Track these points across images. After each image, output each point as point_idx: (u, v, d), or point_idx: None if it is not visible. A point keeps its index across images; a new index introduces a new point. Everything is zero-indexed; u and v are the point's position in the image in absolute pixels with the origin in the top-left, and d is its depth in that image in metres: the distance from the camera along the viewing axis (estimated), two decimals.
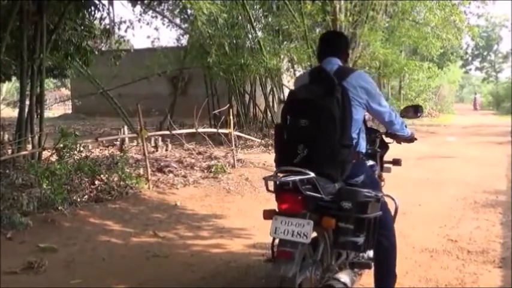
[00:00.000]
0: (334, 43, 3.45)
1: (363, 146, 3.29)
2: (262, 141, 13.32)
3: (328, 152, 2.95)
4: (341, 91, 3.00)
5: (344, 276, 3.24)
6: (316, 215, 2.96)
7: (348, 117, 3.01)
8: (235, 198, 7.33)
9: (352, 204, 2.99)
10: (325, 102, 2.94)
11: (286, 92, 16.79)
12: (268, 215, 3.12)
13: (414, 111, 4.19)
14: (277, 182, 2.98)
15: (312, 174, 2.85)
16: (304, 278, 2.87)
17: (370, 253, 3.43)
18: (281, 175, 2.98)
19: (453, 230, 5.56)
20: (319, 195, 2.90)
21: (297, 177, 2.83)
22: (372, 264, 3.41)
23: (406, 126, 3.66)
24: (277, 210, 3.05)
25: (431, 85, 26.93)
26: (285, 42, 15.87)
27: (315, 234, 3.02)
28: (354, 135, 3.14)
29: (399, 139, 3.87)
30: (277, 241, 2.97)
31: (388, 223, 3.41)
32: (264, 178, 3.10)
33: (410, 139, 3.84)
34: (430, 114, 27.21)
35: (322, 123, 2.94)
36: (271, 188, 3.11)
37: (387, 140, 4.00)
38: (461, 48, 32.91)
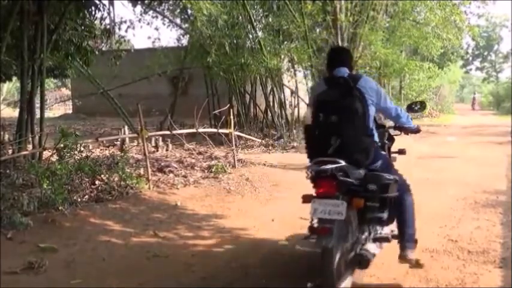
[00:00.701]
0: (342, 56, 4.20)
1: (376, 137, 3.96)
2: (263, 141, 13.33)
3: (355, 141, 3.66)
4: (358, 92, 3.71)
5: (371, 247, 3.93)
6: (347, 196, 3.55)
7: (366, 112, 3.72)
8: (236, 198, 7.33)
9: (377, 186, 3.70)
10: (348, 101, 3.67)
11: (287, 92, 16.83)
12: (307, 199, 3.69)
13: (420, 106, 4.86)
14: (313, 172, 3.61)
15: (344, 163, 3.52)
16: (340, 249, 3.48)
17: (388, 229, 4.15)
18: (316, 165, 3.60)
19: (453, 230, 5.56)
20: (349, 180, 3.56)
21: (333, 166, 3.48)
22: (391, 237, 4.08)
23: (411, 119, 4.28)
24: (314, 194, 3.62)
25: (431, 85, 26.95)
26: (286, 42, 15.87)
27: None
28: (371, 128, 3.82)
29: (406, 131, 4.45)
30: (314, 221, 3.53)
31: (408, 187, 4.26)
32: (306, 167, 3.72)
33: (417, 130, 4.48)
34: (430, 114, 27.19)
35: (348, 118, 3.65)
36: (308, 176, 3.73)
37: (394, 133, 4.59)
38: (461, 48, 32.93)
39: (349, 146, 3.65)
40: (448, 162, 10.47)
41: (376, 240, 4.06)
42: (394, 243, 4.98)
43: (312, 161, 3.74)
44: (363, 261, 3.77)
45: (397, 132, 4.51)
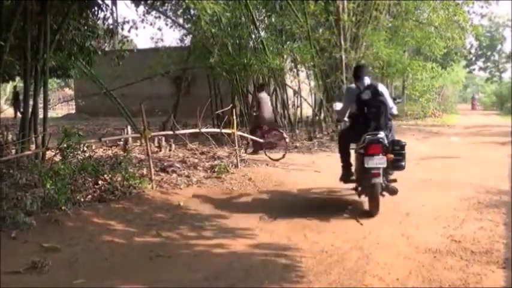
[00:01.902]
0: (364, 70, 6.81)
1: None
2: (265, 141, 13.31)
3: (385, 123, 6.27)
4: (382, 94, 6.34)
5: (392, 185, 6.32)
6: (383, 153, 6.02)
7: (387, 106, 6.36)
8: (239, 198, 7.33)
9: (399, 147, 6.25)
10: (380, 100, 6.26)
11: (290, 91, 16.83)
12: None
13: (398, 99, 7.82)
14: (367, 139, 6.05)
15: (383, 135, 6.11)
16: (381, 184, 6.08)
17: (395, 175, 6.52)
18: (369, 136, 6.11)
19: (457, 230, 5.54)
20: (386, 144, 6.05)
21: (379, 135, 6.06)
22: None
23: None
24: (365, 152, 6.02)
25: (434, 85, 26.90)
26: (288, 42, 15.89)
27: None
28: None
29: (393, 116, 6.85)
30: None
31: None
32: (364, 137, 6.08)
33: (397, 115, 7.41)
34: (433, 115, 27.15)
35: (380, 110, 6.22)
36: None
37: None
38: (464, 48, 32.82)
39: (382, 126, 6.21)
40: (451, 163, 10.45)
41: (390, 181, 6.36)
42: (399, 247, 4.99)
43: (364, 136, 6.10)
44: (393, 192, 6.24)
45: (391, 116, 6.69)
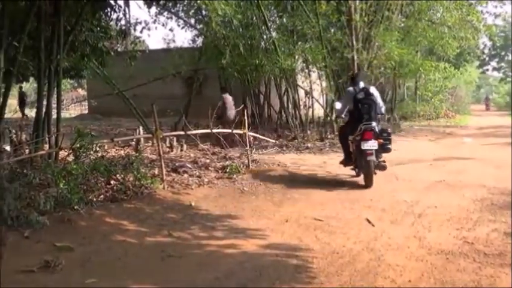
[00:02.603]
0: (360, 76, 9.08)
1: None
2: (277, 141, 13.32)
3: (374, 116, 8.03)
4: (373, 95, 8.14)
5: (382, 163, 8.05)
6: (375, 138, 7.75)
7: (377, 104, 8.18)
8: (250, 198, 7.34)
9: (386, 134, 8.11)
10: (371, 99, 8.05)
11: (301, 92, 16.81)
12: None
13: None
14: (363, 127, 7.74)
15: (375, 124, 7.84)
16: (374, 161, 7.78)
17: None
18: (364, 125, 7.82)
19: (470, 232, 5.50)
20: (376, 131, 7.79)
21: (372, 125, 7.74)
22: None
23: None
24: (361, 138, 7.71)
25: (447, 86, 26.67)
26: (300, 43, 15.86)
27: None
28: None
29: (381, 114, 8.79)
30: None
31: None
32: (360, 126, 7.75)
33: (382, 114, 8.90)
34: (446, 115, 26.95)
35: (371, 106, 7.97)
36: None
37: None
38: (478, 48, 32.57)
39: (372, 118, 7.95)
40: (464, 164, 10.37)
41: (380, 161, 8.06)
42: (411, 248, 4.96)
43: (356, 127, 7.87)
44: (383, 168, 8.08)
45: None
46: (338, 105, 8.87)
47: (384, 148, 7.94)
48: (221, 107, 12.47)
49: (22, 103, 24.99)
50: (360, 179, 8.08)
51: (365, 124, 7.76)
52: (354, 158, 8.17)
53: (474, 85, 43.93)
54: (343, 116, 8.70)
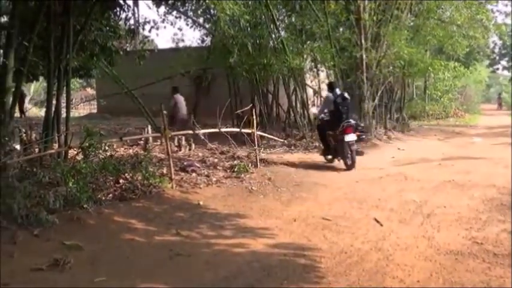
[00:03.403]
0: (335, 85, 10.76)
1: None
2: (285, 141, 13.30)
3: (351, 116, 10.22)
4: (348, 99, 10.21)
5: (359, 149, 10.25)
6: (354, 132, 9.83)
7: (352, 106, 10.81)
8: (258, 198, 7.34)
9: (361, 127, 10.42)
10: (348, 102, 10.04)
11: (310, 91, 16.77)
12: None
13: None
14: (345, 124, 9.65)
15: (353, 122, 9.97)
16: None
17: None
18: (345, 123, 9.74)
19: (479, 232, 5.47)
20: (355, 127, 9.89)
21: (351, 122, 9.83)
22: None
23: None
24: (344, 132, 9.59)
25: (457, 85, 26.52)
26: (308, 42, 15.81)
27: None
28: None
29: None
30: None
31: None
32: (343, 124, 9.60)
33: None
34: (455, 115, 26.79)
35: (349, 108, 10.08)
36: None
37: None
38: (488, 47, 32.34)
39: (350, 117, 9.87)
40: (474, 164, 10.30)
41: (358, 150, 9.98)
42: (419, 248, 4.94)
43: (337, 124, 9.67)
44: (361, 153, 10.10)
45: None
46: (315, 109, 11.91)
47: (360, 139, 10.11)
48: (173, 107, 12.72)
49: (21, 102, 25.06)
50: (339, 164, 9.92)
51: (346, 122, 9.68)
52: (336, 148, 9.91)
53: (484, 84, 43.61)
54: (322, 115, 10.44)
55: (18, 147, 7.57)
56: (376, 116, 16.71)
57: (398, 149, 13.00)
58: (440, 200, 6.92)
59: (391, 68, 16.31)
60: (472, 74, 31.44)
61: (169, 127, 11.89)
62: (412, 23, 17.82)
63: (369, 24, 15.08)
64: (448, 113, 26.19)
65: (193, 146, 11.60)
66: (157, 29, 19.32)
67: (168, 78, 17.33)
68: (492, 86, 66.54)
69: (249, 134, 10.36)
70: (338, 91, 10.15)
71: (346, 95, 10.10)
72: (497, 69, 60.95)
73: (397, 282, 4.10)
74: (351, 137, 9.55)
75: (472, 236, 5.30)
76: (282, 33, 15.39)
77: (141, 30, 14.83)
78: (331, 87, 10.55)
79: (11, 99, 7.14)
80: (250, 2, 13.40)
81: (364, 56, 14.97)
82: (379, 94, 16.39)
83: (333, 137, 9.81)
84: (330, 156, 10.26)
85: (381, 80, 16.24)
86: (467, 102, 32.66)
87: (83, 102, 31.06)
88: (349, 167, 9.57)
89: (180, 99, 13.26)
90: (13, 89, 7.13)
